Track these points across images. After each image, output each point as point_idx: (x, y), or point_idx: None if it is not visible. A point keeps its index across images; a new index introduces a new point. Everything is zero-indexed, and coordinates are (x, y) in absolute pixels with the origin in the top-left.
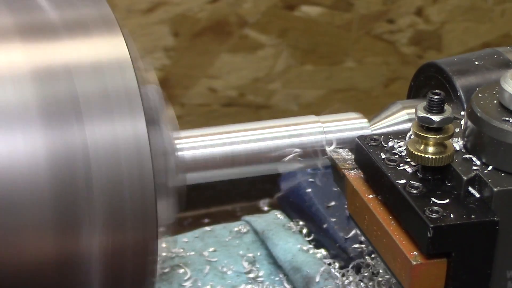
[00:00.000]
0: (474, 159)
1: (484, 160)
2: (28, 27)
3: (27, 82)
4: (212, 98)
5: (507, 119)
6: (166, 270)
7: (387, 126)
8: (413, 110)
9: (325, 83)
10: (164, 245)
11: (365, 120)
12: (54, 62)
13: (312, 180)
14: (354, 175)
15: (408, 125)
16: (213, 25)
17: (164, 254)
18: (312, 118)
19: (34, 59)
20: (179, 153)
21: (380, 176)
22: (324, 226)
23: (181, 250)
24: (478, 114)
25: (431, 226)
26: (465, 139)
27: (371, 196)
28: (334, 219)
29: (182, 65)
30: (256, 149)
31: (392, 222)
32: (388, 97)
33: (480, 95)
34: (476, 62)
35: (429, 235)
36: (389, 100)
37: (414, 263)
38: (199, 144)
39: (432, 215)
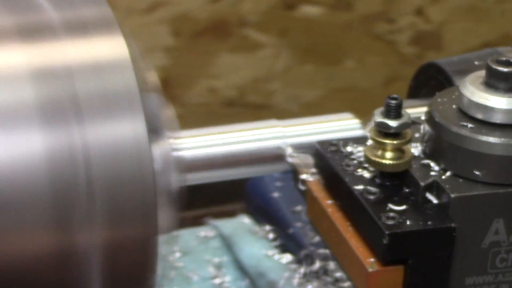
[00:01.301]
0: (432, 164)
1: (442, 166)
2: (28, 27)
3: (26, 82)
4: (212, 98)
5: (465, 124)
6: None
7: None
8: (413, 110)
9: (325, 83)
10: None
11: (356, 121)
12: (54, 62)
13: (279, 184)
14: (313, 181)
15: None
16: (213, 25)
17: None
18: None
19: (33, 59)
20: (179, 153)
21: (338, 181)
22: (290, 231)
23: None
24: (436, 119)
25: (387, 232)
26: (424, 144)
27: (330, 202)
28: (299, 224)
29: (182, 65)
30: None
31: (350, 228)
32: None
33: (439, 100)
34: (476, 62)
35: (384, 242)
36: None
37: (370, 270)
38: (199, 144)
39: (388, 221)
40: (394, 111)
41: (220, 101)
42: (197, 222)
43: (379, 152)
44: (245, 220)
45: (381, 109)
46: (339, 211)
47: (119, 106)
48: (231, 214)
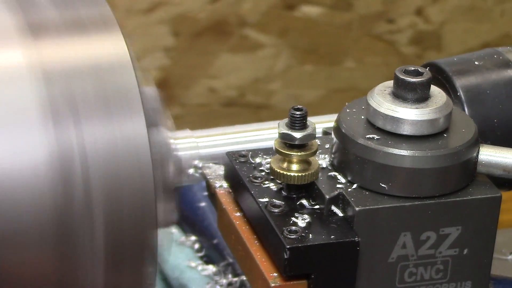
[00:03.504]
0: (339, 176)
1: (349, 178)
2: (27, 27)
3: (26, 82)
4: (212, 98)
5: (372, 136)
6: None
7: None
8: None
9: (325, 83)
10: None
11: None
12: (53, 62)
13: (207, 193)
14: (223, 192)
15: None
16: (213, 25)
17: None
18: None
19: (33, 59)
20: (179, 153)
21: (245, 193)
22: (215, 241)
23: None
24: (343, 131)
25: (288, 247)
26: (332, 156)
27: (238, 214)
28: None
29: (182, 65)
30: None
31: (256, 242)
32: None
33: (348, 111)
34: (476, 62)
35: (285, 257)
36: None
37: (272, 285)
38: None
39: (290, 235)
40: (299, 122)
41: (220, 101)
42: None
43: (285, 164)
44: (172, 229)
45: (285, 120)
46: (247, 224)
47: (118, 105)
48: None
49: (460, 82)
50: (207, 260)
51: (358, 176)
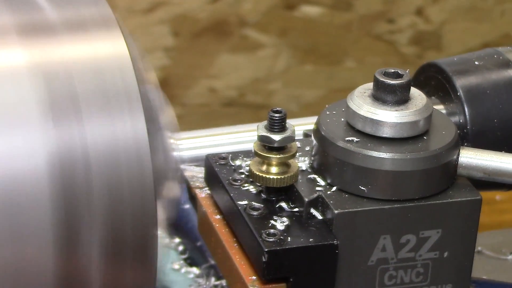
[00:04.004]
0: (319, 179)
1: (328, 181)
2: (28, 26)
3: (26, 81)
4: (212, 98)
5: (351, 139)
6: None
7: None
8: None
9: (325, 83)
10: None
11: None
12: (54, 62)
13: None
14: (204, 195)
15: None
16: (213, 25)
17: None
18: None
19: (33, 59)
20: (178, 153)
21: (224, 196)
22: (198, 244)
23: None
24: (323, 133)
25: (266, 250)
26: (312, 158)
27: (218, 217)
28: None
29: (182, 65)
30: None
31: (235, 244)
32: None
33: (328, 113)
34: (476, 62)
35: (264, 260)
36: None
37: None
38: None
39: (268, 238)
40: (278, 125)
41: (220, 101)
42: None
43: (264, 167)
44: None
45: (264, 122)
46: (226, 227)
47: (119, 105)
48: None
49: (460, 82)
50: (190, 262)
51: (338, 178)
